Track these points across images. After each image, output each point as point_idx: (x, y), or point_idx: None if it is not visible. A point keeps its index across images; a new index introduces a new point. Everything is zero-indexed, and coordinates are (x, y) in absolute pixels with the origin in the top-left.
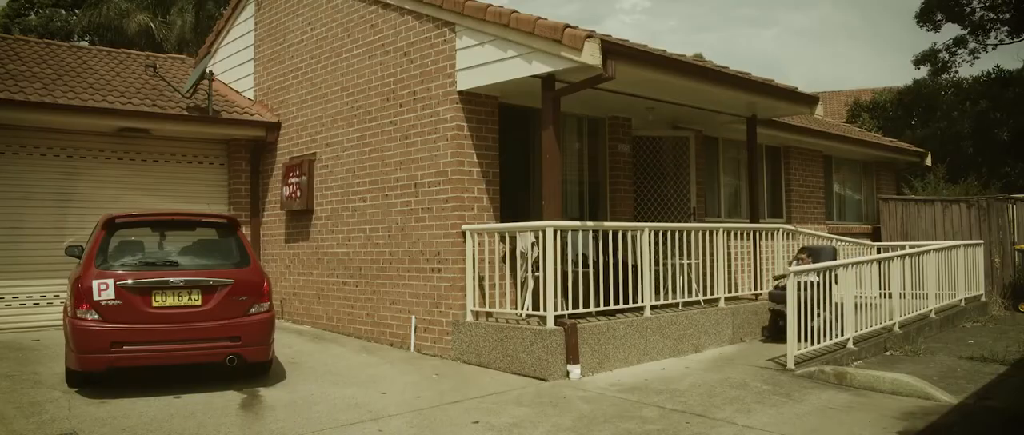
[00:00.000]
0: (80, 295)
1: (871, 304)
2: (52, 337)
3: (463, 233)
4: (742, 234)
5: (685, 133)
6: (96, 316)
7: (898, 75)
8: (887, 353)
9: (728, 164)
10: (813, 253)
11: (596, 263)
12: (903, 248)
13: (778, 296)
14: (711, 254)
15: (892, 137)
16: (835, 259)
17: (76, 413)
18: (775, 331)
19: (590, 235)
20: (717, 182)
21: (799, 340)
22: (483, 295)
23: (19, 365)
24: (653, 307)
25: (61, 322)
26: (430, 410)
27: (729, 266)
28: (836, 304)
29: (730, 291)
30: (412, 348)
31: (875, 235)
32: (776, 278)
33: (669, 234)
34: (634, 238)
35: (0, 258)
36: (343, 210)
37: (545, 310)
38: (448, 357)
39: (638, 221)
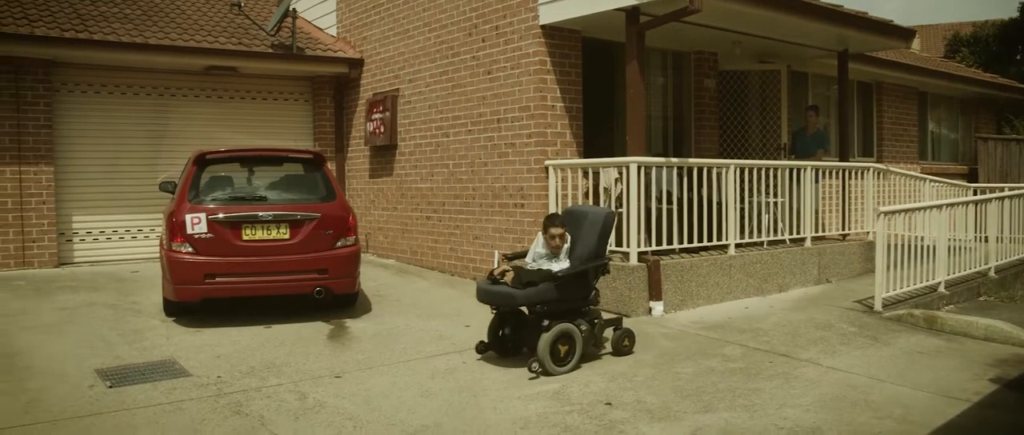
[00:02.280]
0: (174, 229)
1: (965, 248)
2: (149, 269)
3: (546, 168)
4: (831, 173)
5: (775, 66)
6: (190, 249)
7: (1002, 7)
8: (981, 299)
9: (817, 101)
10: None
11: (680, 200)
12: (1001, 190)
13: None
14: (798, 193)
15: (994, 74)
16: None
17: (174, 341)
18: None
19: (674, 171)
20: (804, 119)
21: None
22: None
23: (120, 295)
24: (737, 245)
25: (157, 255)
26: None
27: (816, 205)
28: (927, 247)
29: (817, 231)
30: None
31: (972, 176)
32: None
33: (755, 171)
34: (719, 175)
35: (99, 194)
36: (426, 146)
37: (628, 246)
38: None
39: (723, 158)
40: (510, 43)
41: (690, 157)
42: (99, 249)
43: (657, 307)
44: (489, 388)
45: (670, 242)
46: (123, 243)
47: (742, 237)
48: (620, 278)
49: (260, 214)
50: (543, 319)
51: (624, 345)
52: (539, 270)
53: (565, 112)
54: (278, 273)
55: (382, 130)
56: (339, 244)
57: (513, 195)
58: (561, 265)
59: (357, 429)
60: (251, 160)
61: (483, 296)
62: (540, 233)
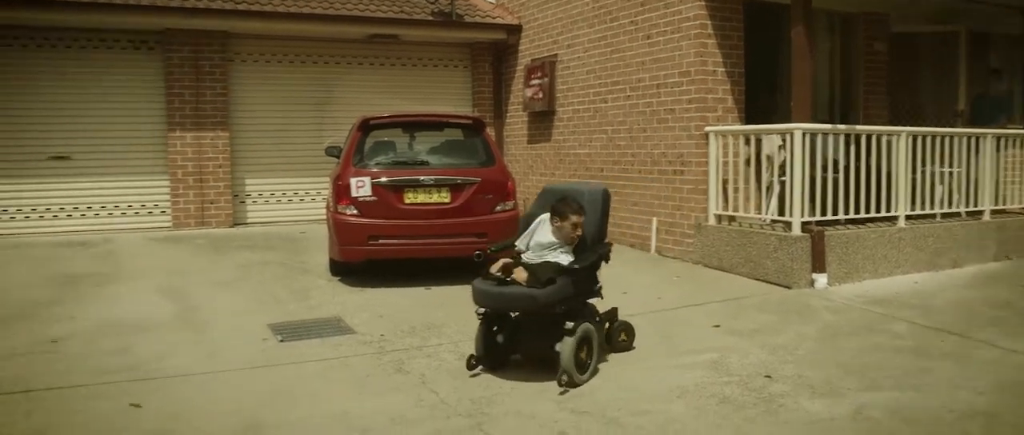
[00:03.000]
0: (340, 192)
1: None
2: (315, 230)
3: (706, 135)
4: (1015, 142)
5: (953, 28)
6: (355, 211)
7: None
8: None
9: (1000, 65)
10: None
11: (846, 168)
12: None
13: None
14: (977, 163)
15: None
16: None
17: (339, 299)
18: None
19: (841, 139)
20: (985, 84)
21: None
22: (726, 199)
23: (289, 254)
24: (908, 217)
25: (323, 217)
26: (671, 311)
27: (997, 176)
28: None
29: (997, 204)
30: (652, 250)
31: None
32: None
33: (928, 139)
34: (889, 143)
35: (270, 158)
36: (584, 111)
37: (791, 216)
38: (688, 260)
39: (893, 125)
40: (670, 6)
41: (857, 124)
42: (270, 210)
43: (820, 279)
44: (647, 356)
45: (835, 212)
46: (291, 205)
47: (912, 208)
48: (782, 248)
49: (422, 178)
50: (565, 320)
51: (621, 340)
52: (557, 264)
53: (726, 77)
54: (438, 236)
55: (540, 96)
56: (498, 208)
57: (672, 162)
58: (568, 256)
59: (514, 389)
60: (413, 125)
61: (489, 300)
62: (542, 220)
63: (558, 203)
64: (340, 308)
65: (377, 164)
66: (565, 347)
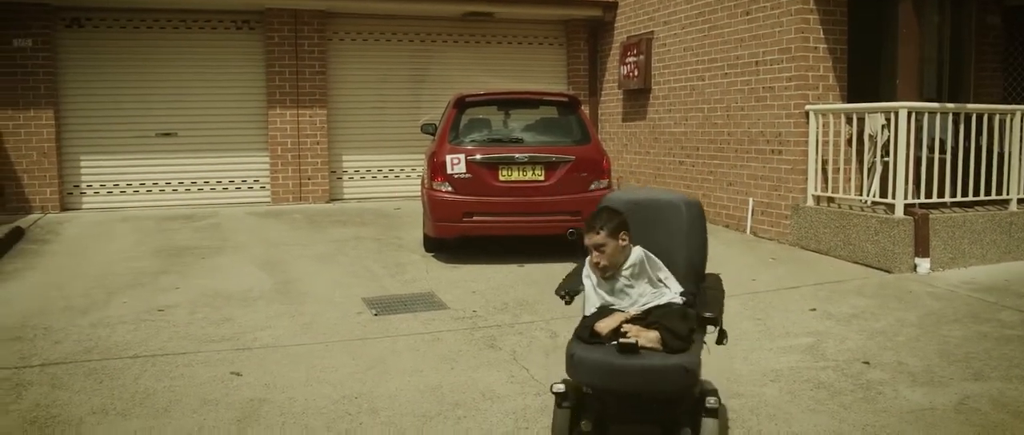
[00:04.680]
0: (436, 169)
1: None
2: (410, 207)
3: (806, 113)
4: None
5: None
6: (450, 188)
7: None
8: None
9: None
10: None
11: (953, 149)
12: None
13: None
14: None
15: None
16: None
17: (432, 275)
18: None
19: (949, 118)
20: None
21: None
22: (825, 179)
23: (384, 230)
24: (1020, 200)
25: (418, 193)
26: (765, 294)
27: None
28: None
29: None
30: (748, 230)
31: None
32: None
33: None
34: (1002, 122)
35: (366, 135)
36: (680, 89)
37: (893, 198)
38: (785, 241)
39: (1008, 104)
40: None
41: (968, 103)
42: (365, 186)
43: (923, 264)
44: (740, 339)
45: (941, 194)
46: (387, 181)
47: None
48: (883, 231)
49: (516, 156)
50: (705, 397)
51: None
52: (684, 309)
53: (828, 54)
54: (532, 214)
55: (636, 73)
56: (593, 187)
57: (770, 141)
58: (665, 295)
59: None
60: (508, 103)
61: (617, 378)
62: (607, 248)
63: (607, 214)
64: (433, 284)
65: (472, 141)
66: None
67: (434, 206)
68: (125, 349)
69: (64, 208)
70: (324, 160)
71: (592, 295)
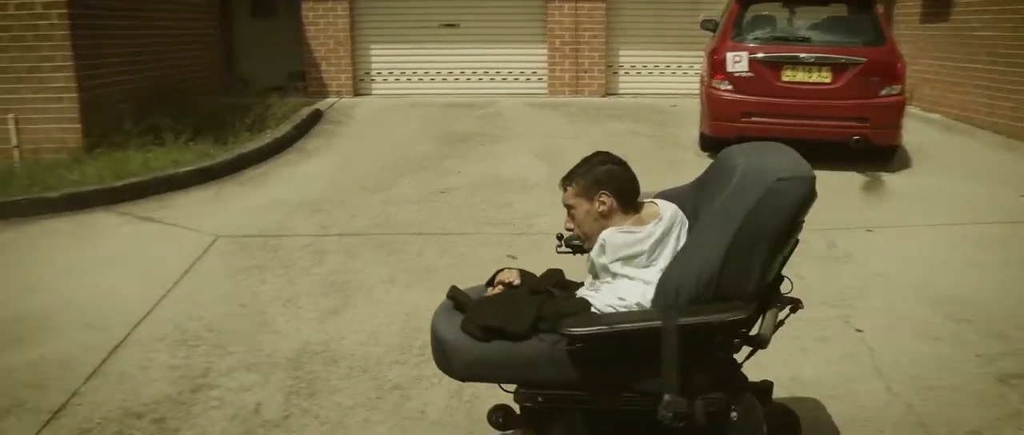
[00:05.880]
0: (715, 66)
1: None
2: (686, 104)
3: None
4: None
5: None
6: (729, 86)
7: None
8: None
9: None
10: None
11: None
12: None
13: None
14: None
15: None
16: None
17: None
18: None
19: None
20: None
21: None
22: None
23: (659, 127)
24: None
25: (693, 91)
26: None
27: None
28: None
29: None
30: None
31: None
32: None
33: None
34: None
35: (644, 30)
36: None
37: None
38: None
39: None
40: None
41: None
42: (641, 82)
43: None
44: None
45: None
46: (663, 78)
47: None
48: None
49: (802, 56)
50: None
51: None
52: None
53: None
54: (815, 117)
55: None
56: (883, 92)
57: None
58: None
59: (886, 286)
60: (795, 0)
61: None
62: (576, 212)
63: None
64: None
65: (755, 39)
66: None
67: (712, 104)
68: (410, 226)
69: (356, 93)
70: (601, 54)
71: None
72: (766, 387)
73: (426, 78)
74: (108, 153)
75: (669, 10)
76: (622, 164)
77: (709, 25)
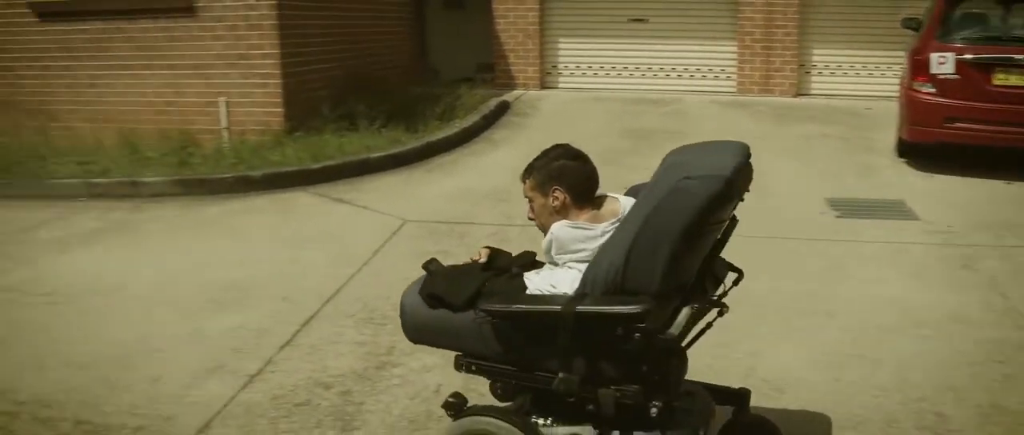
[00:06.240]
0: (917, 67)
1: None
2: (881, 106)
3: None
4: None
5: None
6: (932, 89)
7: None
8: None
9: None
10: None
11: None
12: None
13: None
14: None
15: None
16: None
17: (903, 182)
18: None
19: None
20: None
21: None
22: None
23: (852, 130)
24: None
25: (891, 94)
26: None
27: None
28: None
29: None
30: None
31: None
32: None
33: None
34: None
35: (840, 28)
36: None
37: None
38: None
39: None
40: None
41: None
42: (834, 82)
43: None
44: None
45: None
46: (858, 78)
47: None
48: None
49: (1016, 57)
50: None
51: None
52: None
53: None
54: None
55: None
56: None
57: None
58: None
59: None
60: None
61: None
62: (533, 204)
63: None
64: (904, 191)
65: (963, 39)
66: None
67: (912, 107)
68: None
69: (543, 86)
70: (793, 52)
71: None
72: (743, 395)
73: (613, 73)
74: (306, 137)
75: (868, 7)
76: (579, 158)
77: (911, 23)
